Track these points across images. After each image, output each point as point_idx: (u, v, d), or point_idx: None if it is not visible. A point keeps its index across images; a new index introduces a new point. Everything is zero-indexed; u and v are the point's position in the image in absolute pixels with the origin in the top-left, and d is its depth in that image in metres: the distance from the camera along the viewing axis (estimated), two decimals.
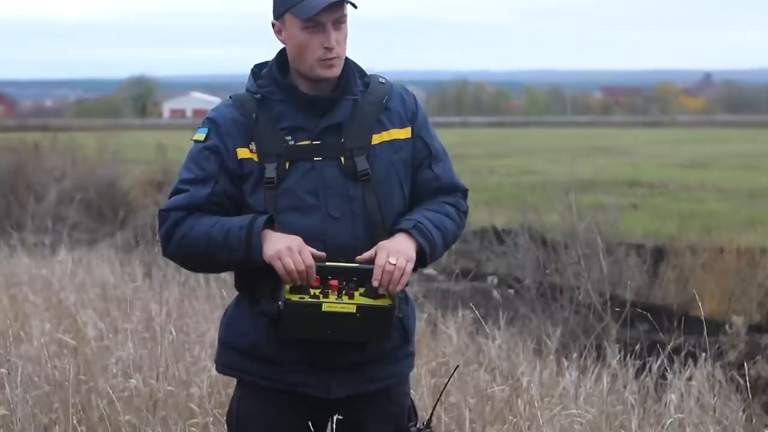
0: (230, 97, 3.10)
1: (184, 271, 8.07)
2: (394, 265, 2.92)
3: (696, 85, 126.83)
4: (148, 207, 13.61)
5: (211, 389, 5.04)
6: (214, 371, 5.09)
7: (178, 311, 6.37)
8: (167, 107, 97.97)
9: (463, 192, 3.20)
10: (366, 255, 2.96)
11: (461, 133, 46.22)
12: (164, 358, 5.05)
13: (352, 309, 2.91)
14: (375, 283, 2.93)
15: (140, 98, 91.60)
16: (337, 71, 3.03)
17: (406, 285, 3.03)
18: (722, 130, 53.41)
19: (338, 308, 2.92)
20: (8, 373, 4.74)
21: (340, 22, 3.02)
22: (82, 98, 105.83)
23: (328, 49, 3.00)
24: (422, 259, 3.02)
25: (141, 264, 8.63)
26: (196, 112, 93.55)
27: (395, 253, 2.94)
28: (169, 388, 4.88)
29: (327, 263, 2.95)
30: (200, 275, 7.71)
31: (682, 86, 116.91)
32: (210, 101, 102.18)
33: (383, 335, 2.99)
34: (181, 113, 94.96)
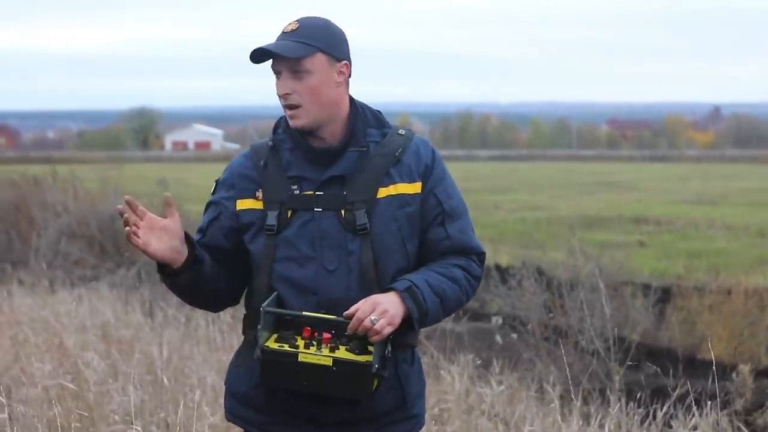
0: (251, 146, 3.13)
1: (185, 311, 8.06)
2: (373, 325, 2.82)
3: (705, 118, 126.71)
4: None
5: None
6: (212, 418, 5.08)
7: (178, 353, 6.33)
8: (169, 139, 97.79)
9: (479, 255, 3.04)
10: (353, 308, 2.86)
11: (465, 167, 46.22)
12: (165, 404, 5.00)
13: (329, 362, 2.84)
14: (349, 332, 2.86)
15: (142, 130, 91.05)
16: (298, 123, 2.97)
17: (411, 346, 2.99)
18: (731, 165, 53.38)
19: (314, 360, 2.85)
20: (9, 419, 4.69)
21: (296, 71, 2.94)
22: (83, 130, 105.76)
23: (281, 97, 2.96)
24: (410, 325, 2.91)
25: (142, 303, 8.58)
26: (198, 145, 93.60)
27: (381, 312, 2.84)
28: None
29: (309, 313, 2.89)
30: (200, 316, 7.69)
31: (691, 119, 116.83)
32: (212, 133, 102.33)
33: (360, 392, 2.88)
34: (183, 145, 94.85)
